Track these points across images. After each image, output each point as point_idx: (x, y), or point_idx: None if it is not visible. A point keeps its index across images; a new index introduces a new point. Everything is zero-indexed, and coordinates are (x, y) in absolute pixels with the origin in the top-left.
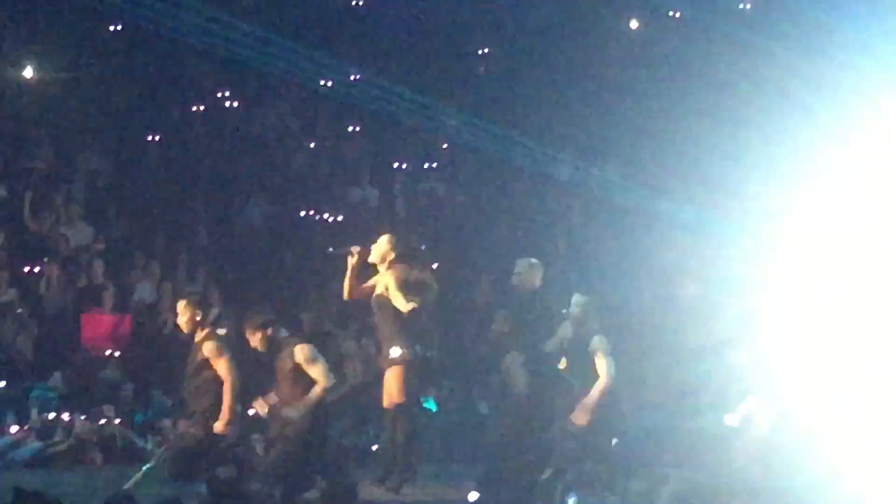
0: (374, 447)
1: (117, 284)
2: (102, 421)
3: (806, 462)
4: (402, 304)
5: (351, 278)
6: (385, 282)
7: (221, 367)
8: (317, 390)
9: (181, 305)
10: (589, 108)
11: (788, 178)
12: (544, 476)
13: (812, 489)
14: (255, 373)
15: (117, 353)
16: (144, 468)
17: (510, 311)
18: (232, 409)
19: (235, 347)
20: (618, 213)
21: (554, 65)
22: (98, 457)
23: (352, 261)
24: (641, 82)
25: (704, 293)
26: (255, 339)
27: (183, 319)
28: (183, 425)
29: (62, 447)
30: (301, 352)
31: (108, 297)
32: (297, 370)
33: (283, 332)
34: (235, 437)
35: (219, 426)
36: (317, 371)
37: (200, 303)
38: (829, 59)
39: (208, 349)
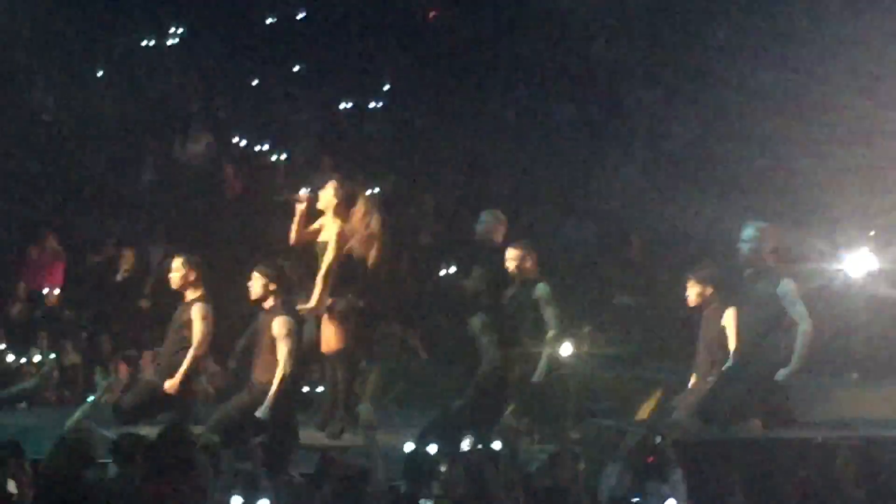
0: (319, 389)
1: (62, 221)
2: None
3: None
4: (332, 258)
5: (298, 224)
6: (329, 230)
7: (283, 348)
8: (278, 377)
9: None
10: (535, 52)
11: None
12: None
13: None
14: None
15: (56, 291)
16: (89, 400)
17: (484, 268)
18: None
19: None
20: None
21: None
22: (56, 394)
23: (300, 207)
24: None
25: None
26: (258, 286)
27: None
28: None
29: (27, 386)
30: (282, 325)
31: (52, 235)
32: (273, 341)
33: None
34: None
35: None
36: (284, 351)
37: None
38: None
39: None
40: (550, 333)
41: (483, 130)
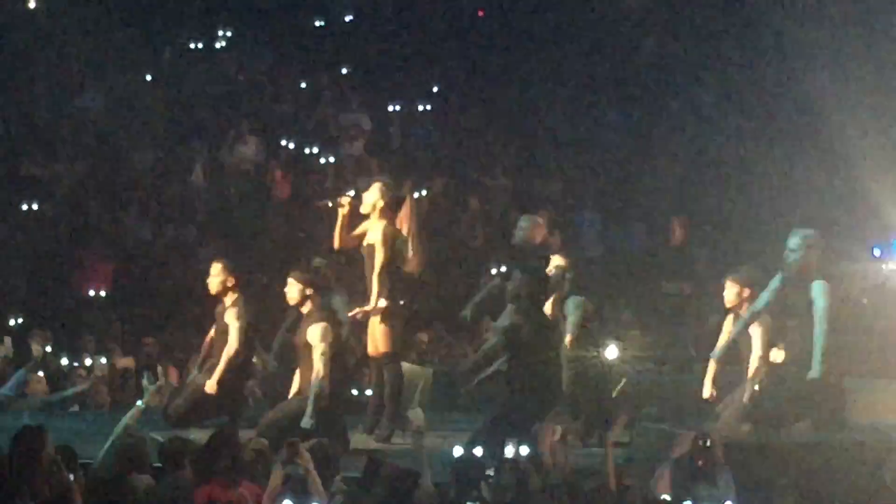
0: (367, 392)
1: (110, 224)
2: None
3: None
4: (383, 260)
5: (341, 228)
6: (375, 232)
7: (318, 354)
8: (314, 384)
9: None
10: (583, 55)
11: None
12: None
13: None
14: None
15: (103, 294)
16: (138, 404)
17: (523, 271)
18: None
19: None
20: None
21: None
22: (107, 398)
23: (342, 211)
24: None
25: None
26: (294, 292)
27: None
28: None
29: (80, 389)
30: (317, 331)
31: (100, 238)
32: (308, 346)
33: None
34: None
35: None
36: (318, 358)
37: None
38: None
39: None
40: (567, 338)
41: (531, 132)
